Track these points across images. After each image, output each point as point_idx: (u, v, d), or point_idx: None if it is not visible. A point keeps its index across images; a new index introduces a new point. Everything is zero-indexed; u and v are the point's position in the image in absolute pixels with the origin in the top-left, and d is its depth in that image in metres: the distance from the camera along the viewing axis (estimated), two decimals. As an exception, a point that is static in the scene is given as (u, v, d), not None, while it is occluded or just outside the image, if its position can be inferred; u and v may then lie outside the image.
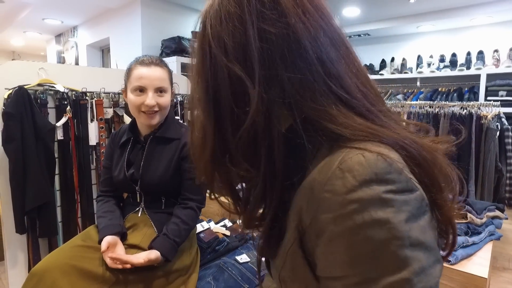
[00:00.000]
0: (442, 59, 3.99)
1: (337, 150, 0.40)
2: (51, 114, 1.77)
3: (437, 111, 2.56)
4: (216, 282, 1.13)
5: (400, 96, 4.16)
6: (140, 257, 0.96)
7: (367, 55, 4.83)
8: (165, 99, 1.12)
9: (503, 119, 2.74)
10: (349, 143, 0.40)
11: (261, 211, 0.51)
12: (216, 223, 1.53)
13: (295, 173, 0.43)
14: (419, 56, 4.23)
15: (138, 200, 1.15)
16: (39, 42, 5.32)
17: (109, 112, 1.97)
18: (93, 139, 1.87)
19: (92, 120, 1.86)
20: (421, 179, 0.39)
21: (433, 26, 3.96)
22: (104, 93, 1.94)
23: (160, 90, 1.11)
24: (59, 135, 1.77)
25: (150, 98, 1.08)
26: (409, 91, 4.21)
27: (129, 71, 1.13)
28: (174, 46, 2.92)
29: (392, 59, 4.52)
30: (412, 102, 2.95)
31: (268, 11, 0.41)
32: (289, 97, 0.40)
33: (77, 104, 1.81)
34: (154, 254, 0.98)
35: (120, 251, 1.01)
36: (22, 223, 1.60)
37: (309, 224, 0.41)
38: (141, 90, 1.09)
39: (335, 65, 0.42)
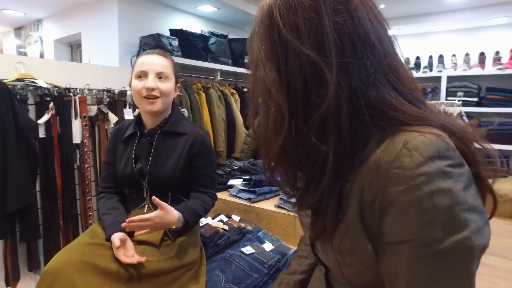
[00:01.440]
0: (407, 61, 4.25)
1: (396, 133, 0.45)
2: (31, 111, 1.68)
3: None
4: (224, 274, 1.15)
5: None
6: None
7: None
8: (166, 86, 1.12)
9: (464, 117, 3.00)
10: (405, 126, 0.45)
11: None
12: (213, 218, 1.55)
13: (355, 153, 0.48)
14: (386, 58, 4.48)
15: (144, 196, 1.14)
16: (-5, 35, 4.94)
17: (92, 110, 1.91)
18: (77, 137, 1.80)
19: (76, 118, 1.79)
20: (465, 156, 0.45)
21: (400, 31, 4.21)
22: (88, 90, 1.88)
23: (160, 76, 1.12)
24: (41, 133, 1.69)
25: (150, 81, 1.09)
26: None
27: (134, 64, 1.14)
28: (153, 44, 2.86)
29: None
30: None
31: (341, 6, 0.45)
32: (355, 83, 0.45)
33: (60, 101, 1.73)
34: (170, 209, 1.00)
35: (129, 248, 1.00)
36: (2, 226, 1.51)
37: (371, 199, 0.45)
38: (143, 75, 1.11)
39: (393, 60, 0.48)
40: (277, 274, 1.14)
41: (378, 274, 0.49)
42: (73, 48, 3.88)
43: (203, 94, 3.20)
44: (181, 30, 3.15)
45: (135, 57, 2.95)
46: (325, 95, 0.45)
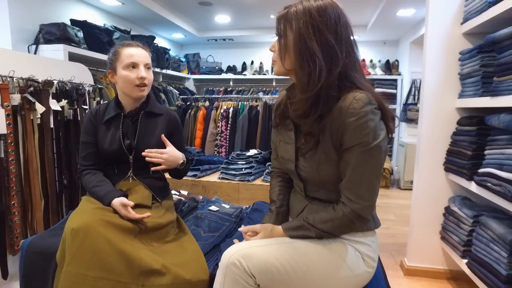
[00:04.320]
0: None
1: (348, 92, 0.87)
2: None
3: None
4: (200, 228, 1.41)
5: (260, 93, 5.01)
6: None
7: (230, 58, 5.52)
8: (151, 75, 1.31)
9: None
10: (355, 89, 0.88)
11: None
12: (168, 193, 1.74)
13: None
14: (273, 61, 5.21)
15: (131, 169, 1.29)
16: None
17: (15, 99, 1.80)
18: (2, 127, 1.68)
19: (3, 106, 1.67)
20: (381, 110, 0.90)
21: (283, 39, 4.97)
22: (10, 77, 1.77)
23: (147, 67, 1.29)
24: (-42, 122, 1.53)
25: (142, 71, 1.25)
26: (267, 89, 5.12)
27: (116, 54, 1.26)
28: (58, 33, 2.67)
29: (252, 62, 5.36)
30: (273, 96, 3.76)
31: (345, 26, 0.87)
32: (344, 66, 0.86)
33: (-19, 88, 1.60)
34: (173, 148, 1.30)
35: (130, 209, 1.16)
36: None
37: (336, 127, 0.87)
38: (133, 66, 1.25)
39: (356, 58, 0.90)
40: (241, 222, 1.47)
41: (339, 174, 0.91)
42: None
43: (112, 89, 3.17)
44: (85, 22, 3.03)
45: (34, 45, 2.72)
46: (336, 65, 0.85)
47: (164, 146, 1.29)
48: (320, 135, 0.91)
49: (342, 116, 0.86)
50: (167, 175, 1.42)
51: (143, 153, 1.20)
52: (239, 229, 1.03)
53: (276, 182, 1.17)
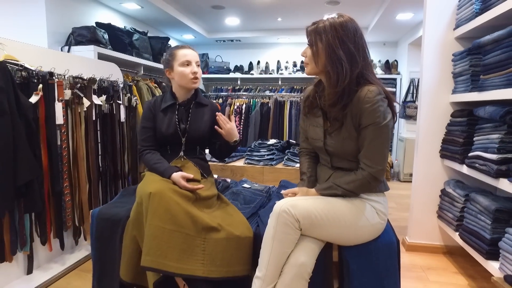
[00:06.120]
0: (294, 64, 5.34)
1: (364, 86, 1.15)
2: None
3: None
4: (237, 201, 1.68)
5: (267, 92, 5.29)
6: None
7: (237, 58, 5.79)
8: (200, 71, 1.59)
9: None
10: (370, 85, 1.16)
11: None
12: (202, 176, 2.01)
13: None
14: (278, 61, 5.49)
15: (183, 149, 1.56)
16: None
17: (66, 94, 2.05)
18: (60, 119, 1.94)
19: (59, 100, 1.93)
20: (388, 99, 1.18)
21: (289, 39, 5.26)
22: (63, 75, 2.02)
23: (197, 64, 1.58)
24: (29, 113, 1.79)
25: (195, 67, 1.54)
26: (274, 88, 5.39)
27: (172, 54, 1.54)
28: (89, 35, 2.92)
29: (258, 62, 5.63)
30: (280, 94, 4.03)
31: (360, 36, 1.15)
32: (360, 66, 1.14)
33: (45, 84, 1.86)
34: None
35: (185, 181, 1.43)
36: (10, 199, 1.60)
37: (356, 112, 1.15)
38: (188, 64, 1.53)
39: (369, 60, 1.18)
40: (270, 197, 1.74)
41: (358, 148, 1.19)
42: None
43: (134, 86, 3.43)
44: (109, 25, 3.29)
45: (67, 47, 2.98)
46: (356, 67, 1.13)
47: (209, 131, 1.57)
48: (344, 119, 1.19)
49: (360, 103, 1.14)
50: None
51: (217, 113, 1.55)
52: (281, 191, 1.31)
53: (304, 158, 1.45)
